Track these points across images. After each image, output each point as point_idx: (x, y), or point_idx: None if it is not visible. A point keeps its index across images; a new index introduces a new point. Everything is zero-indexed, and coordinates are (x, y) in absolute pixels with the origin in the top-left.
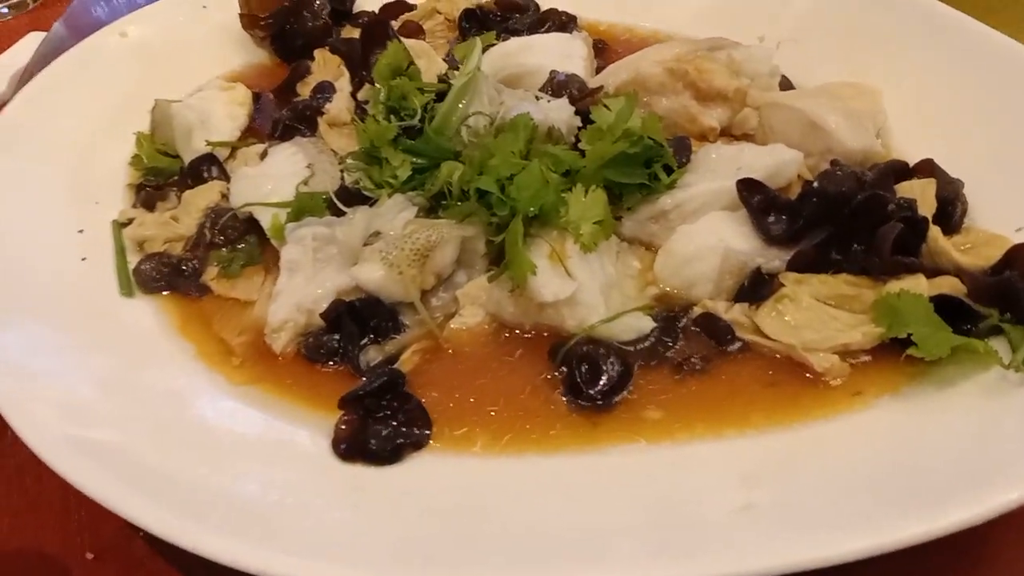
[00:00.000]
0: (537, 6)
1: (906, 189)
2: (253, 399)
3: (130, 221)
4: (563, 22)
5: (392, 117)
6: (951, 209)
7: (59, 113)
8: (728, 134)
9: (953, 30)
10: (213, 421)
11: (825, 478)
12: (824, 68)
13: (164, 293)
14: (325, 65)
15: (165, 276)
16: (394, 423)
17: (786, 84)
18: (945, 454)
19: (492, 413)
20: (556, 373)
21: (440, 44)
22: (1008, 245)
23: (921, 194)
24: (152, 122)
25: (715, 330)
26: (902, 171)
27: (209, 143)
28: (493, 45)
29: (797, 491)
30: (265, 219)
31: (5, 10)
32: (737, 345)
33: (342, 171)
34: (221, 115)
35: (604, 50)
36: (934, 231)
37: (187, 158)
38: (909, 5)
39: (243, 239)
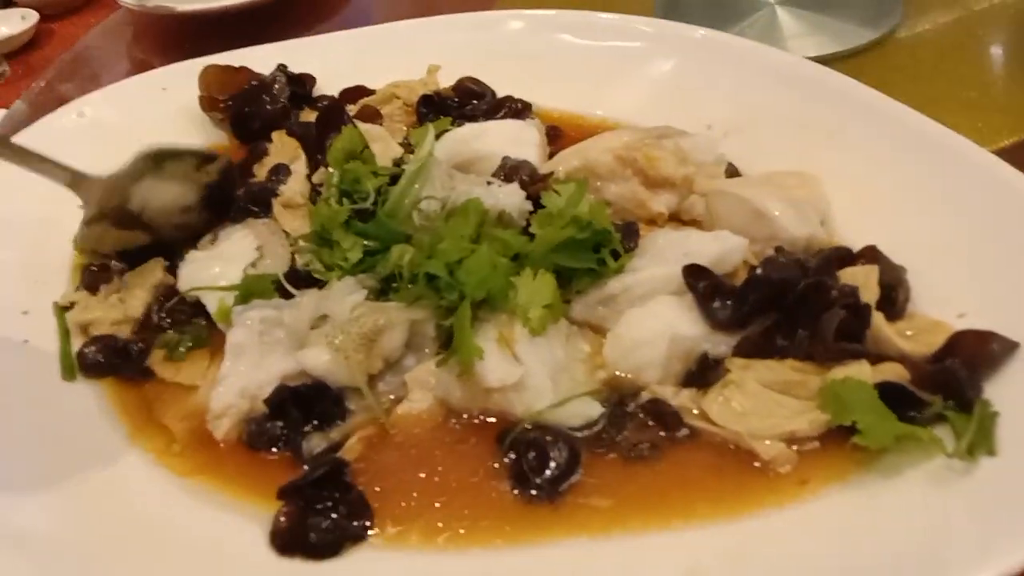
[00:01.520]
0: (493, 93)
1: (849, 276)
2: (193, 490)
3: (72, 305)
4: (518, 109)
5: (345, 200)
6: (894, 295)
7: (11, 191)
8: (676, 219)
9: (893, 121)
10: (151, 514)
11: (773, 572)
12: (768, 157)
13: (107, 378)
14: (283, 147)
15: (109, 360)
16: (335, 515)
17: (732, 172)
18: (891, 546)
19: (437, 504)
20: (504, 460)
21: (398, 128)
22: (950, 332)
23: (864, 280)
24: None
25: (663, 416)
26: (845, 257)
27: None
28: (448, 131)
29: None
30: (212, 303)
31: None
32: (685, 432)
33: (293, 253)
34: None
35: (558, 136)
36: (877, 318)
37: None
38: (851, 97)
39: (191, 322)
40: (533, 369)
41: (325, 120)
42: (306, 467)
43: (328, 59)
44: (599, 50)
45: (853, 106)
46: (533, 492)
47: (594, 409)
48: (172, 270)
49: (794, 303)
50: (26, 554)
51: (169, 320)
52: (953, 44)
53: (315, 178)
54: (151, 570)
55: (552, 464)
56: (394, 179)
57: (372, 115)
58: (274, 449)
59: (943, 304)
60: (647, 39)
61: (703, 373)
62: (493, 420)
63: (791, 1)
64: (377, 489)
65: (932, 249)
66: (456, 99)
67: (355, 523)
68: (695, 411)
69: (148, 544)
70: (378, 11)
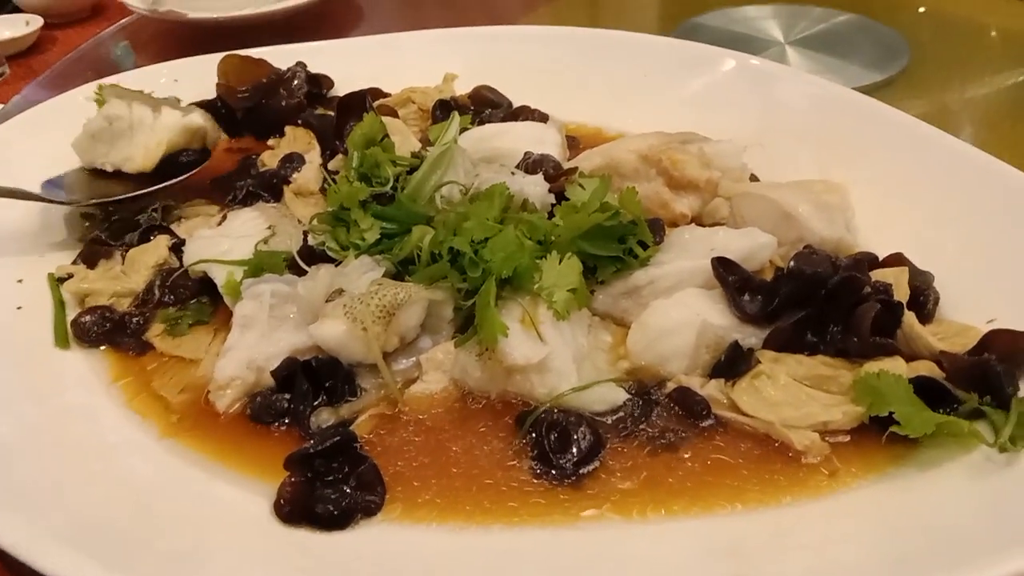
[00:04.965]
0: (510, 103)
1: (879, 276)
2: (189, 459)
3: (69, 276)
4: (535, 119)
5: (363, 184)
6: (923, 298)
7: (15, 161)
8: (698, 223)
9: (914, 136)
10: (146, 479)
11: (814, 557)
12: (789, 170)
13: (102, 348)
14: (295, 139)
15: (105, 330)
16: (345, 487)
17: (754, 181)
18: (930, 535)
19: (451, 482)
20: (522, 442)
21: (413, 132)
22: (980, 335)
23: (895, 281)
24: None
25: (691, 405)
26: (873, 262)
27: None
28: (467, 129)
29: (788, 568)
30: (220, 276)
31: None
32: (711, 421)
33: (305, 234)
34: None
35: (574, 146)
36: (909, 317)
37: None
38: (871, 112)
39: (194, 298)
40: (557, 351)
41: (346, 107)
42: (313, 441)
43: (345, 64)
44: (618, 67)
45: (873, 121)
46: (553, 472)
47: (618, 395)
48: (177, 251)
49: (826, 298)
50: (20, 514)
51: (171, 296)
52: (961, 88)
53: (331, 164)
54: (154, 531)
55: (574, 447)
56: (412, 170)
57: (389, 113)
58: (278, 424)
59: (970, 311)
60: (665, 57)
61: (733, 363)
62: (511, 403)
63: (801, 42)
64: (389, 463)
65: (956, 259)
66: (472, 107)
67: (366, 496)
68: (723, 401)
69: (146, 508)
70: (393, 24)
